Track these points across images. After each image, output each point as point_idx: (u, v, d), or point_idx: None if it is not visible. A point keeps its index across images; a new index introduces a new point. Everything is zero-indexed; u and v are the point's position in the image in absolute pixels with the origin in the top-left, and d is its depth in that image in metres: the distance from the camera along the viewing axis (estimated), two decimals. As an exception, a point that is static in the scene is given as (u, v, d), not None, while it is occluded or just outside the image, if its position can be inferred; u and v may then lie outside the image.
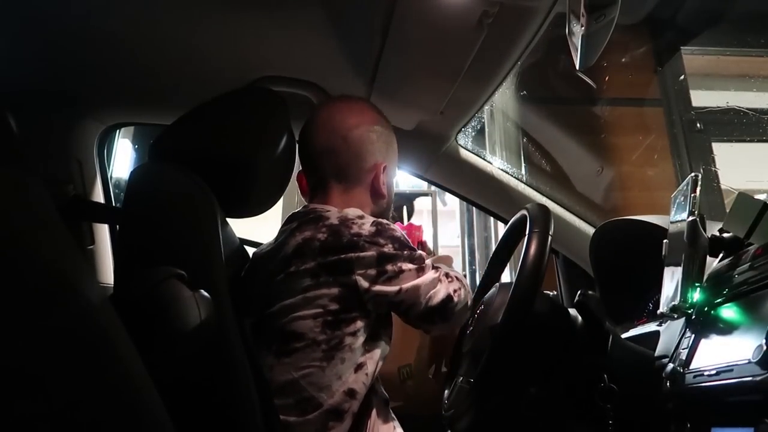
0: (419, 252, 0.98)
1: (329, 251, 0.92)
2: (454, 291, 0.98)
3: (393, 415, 1.03)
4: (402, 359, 1.45)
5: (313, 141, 1.07)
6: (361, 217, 0.97)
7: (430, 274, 0.96)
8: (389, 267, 0.93)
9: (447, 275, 1.00)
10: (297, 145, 1.12)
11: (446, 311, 0.96)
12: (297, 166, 1.14)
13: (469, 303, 1.02)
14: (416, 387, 1.42)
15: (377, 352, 0.97)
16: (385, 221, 0.99)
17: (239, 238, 1.14)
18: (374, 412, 0.97)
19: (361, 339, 0.94)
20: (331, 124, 1.06)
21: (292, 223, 1.00)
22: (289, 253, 0.95)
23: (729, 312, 0.75)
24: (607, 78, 2.93)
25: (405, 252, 0.95)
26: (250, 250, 1.17)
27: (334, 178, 1.06)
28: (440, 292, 0.96)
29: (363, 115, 1.08)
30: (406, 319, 0.99)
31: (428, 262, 0.98)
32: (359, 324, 0.94)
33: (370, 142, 1.07)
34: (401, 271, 0.94)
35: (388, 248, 0.94)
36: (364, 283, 0.92)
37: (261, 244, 1.16)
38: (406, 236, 0.99)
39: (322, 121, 1.08)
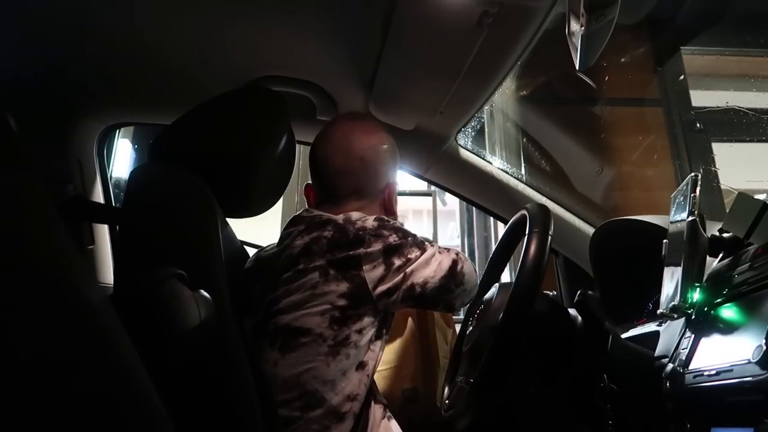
0: (420, 237, 1.01)
1: (337, 247, 0.94)
2: (456, 255, 1.01)
3: (390, 414, 1.03)
4: (406, 381, 1.42)
5: (329, 161, 1.09)
6: (363, 216, 0.99)
7: (429, 251, 0.99)
8: (396, 259, 0.95)
9: (446, 249, 1.02)
10: (309, 159, 1.14)
11: (457, 275, 0.98)
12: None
13: (474, 268, 1.04)
14: (422, 411, 1.38)
15: (378, 351, 0.98)
16: (385, 217, 1.02)
17: (240, 241, 1.14)
18: (373, 411, 0.98)
19: (366, 337, 0.95)
20: (348, 145, 1.08)
21: (298, 226, 1.01)
22: (296, 253, 0.96)
23: (729, 312, 0.74)
24: (607, 78, 2.93)
25: (409, 239, 0.98)
26: (250, 252, 1.17)
27: (350, 196, 1.08)
28: (444, 260, 0.98)
29: (376, 135, 1.12)
30: (426, 302, 0.99)
31: (428, 243, 1.01)
32: (366, 321, 0.95)
33: (384, 162, 1.11)
34: (408, 259, 0.96)
35: (393, 239, 0.96)
36: (374, 280, 0.93)
37: (262, 246, 1.16)
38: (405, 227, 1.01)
39: (338, 141, 1.09)
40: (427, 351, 1.45)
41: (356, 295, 0.93)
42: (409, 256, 0.96)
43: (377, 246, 0.94)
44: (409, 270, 0.95)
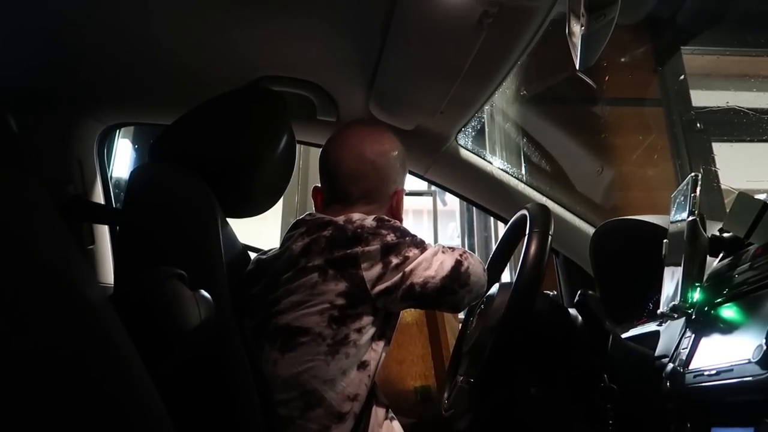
0: (420, 237, 1.00)
1: (335, 246, 0.94)
2: (461, 255, 0.99)
3: (392, 415, 1.03)
4: (419, 379, 1.42)
5: (342, 165, 1.10)
6: (363, 216, 1.00)
7: (431, 250, 0.98)
8: (393, 257, 0.94)
9: (450, 248, 1.01)
10: (319, 162, 1.15)
11: (461, 275, 0.97)
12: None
13: (482, 267, 1.02)
14: (435, 410, 1.37)
15: (380, 351, 0.98)
16: (385, 216, 1.01)
17: (243, 244, 1.14)
18: (374, 412, 0.98)
19: (366, 336, 0.95)
20: (360, 150, 1.10)
21: (300, 228, 1.02)
22: (296, 253, 0.96)
23: (729, 312, 0.74)
24: (607, 78, 2.93)
25: (407, 238, 0.97)
26: (252, 255, 1.17)
27: (360, 200, 1.08)
28: (447, 261, 0.97)
29: (387, 142, 1.13)
30: (427, 302, 0.98)
31: (429, 243, 1.00)
32: (365, 320, 0.95)
33: (394, 168, 1.12)
34: (406, 258, 0.95)
35: (391, 237, 0.96)
36: (372, 278, 0.93)
37: (264, 249, 1.17)
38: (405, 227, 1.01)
39: (351, 146, 1.11)
40: (438, 350, 1.45)
41: (355, 294, 0.93)
42: (407, 254, 0.95)
43: (375, 244, 0.94)
44: (408, 269, 0.94)
